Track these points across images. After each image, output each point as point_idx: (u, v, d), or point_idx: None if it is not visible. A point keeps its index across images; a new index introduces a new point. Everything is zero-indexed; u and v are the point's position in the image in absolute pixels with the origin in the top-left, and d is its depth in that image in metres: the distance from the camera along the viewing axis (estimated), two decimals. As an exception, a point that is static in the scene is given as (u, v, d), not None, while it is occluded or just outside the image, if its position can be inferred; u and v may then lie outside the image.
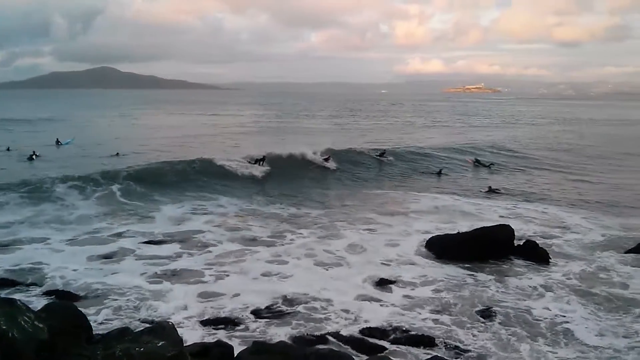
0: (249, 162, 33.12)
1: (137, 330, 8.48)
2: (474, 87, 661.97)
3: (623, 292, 14.88)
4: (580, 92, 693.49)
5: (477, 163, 39.98)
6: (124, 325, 10.34)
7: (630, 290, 15.05)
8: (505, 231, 18.62)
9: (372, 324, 12.56)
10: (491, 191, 30.28)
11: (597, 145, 51.68)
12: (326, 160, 36.25)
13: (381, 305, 13.97)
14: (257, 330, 12.32)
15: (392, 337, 11.90)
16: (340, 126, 72.50)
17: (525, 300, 14.43)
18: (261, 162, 33.36)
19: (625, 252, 18.48)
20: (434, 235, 19.64)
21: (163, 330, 7.59)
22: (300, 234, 21.01)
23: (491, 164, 39.77)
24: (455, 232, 19.84)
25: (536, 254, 17.79)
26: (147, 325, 10.38)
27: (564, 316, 13.28)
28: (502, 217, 24.43)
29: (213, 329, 12.29)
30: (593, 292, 14.81)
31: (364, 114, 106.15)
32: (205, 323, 12.56)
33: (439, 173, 36.38)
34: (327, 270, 16.92)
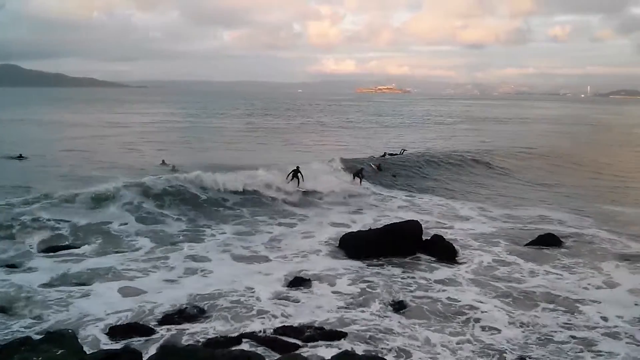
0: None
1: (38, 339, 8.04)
2: (386, 87, 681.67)
3: (526, 285, 15.76)
4: (484, 92, 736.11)
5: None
6: (25, 335, 9.73)
7: (531, 283, 15.96)
8: (413, 227, 19.24)
9: (287, 322, 12.63)
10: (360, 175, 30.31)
11: (496, 142, 54.63)
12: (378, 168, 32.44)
13: (296, 303, 14.06)
14: (169, 333, 12.00)
15: (306, 334, 11.95)
16: (253, 125, 72.06)
17: (435, 293, 15.01)
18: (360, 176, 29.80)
19: (525, 245, 19.64)
20: (346, 232, 20.08)
21: (62, 338, 7.28)
22: (220, 228, 21.27)
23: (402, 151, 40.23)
24: (363, 224, 20.96)
25: (443, 248, 18.47)
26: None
27: (473, 308, 13.90)
28: (400, 207, 26.27)
29: (124, 333, 11.82)
30: (498, 286, 15.63)
31: (278, 114, 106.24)
32: (115, 328, 12.06)
33: (384, 155, 37.06)
34: (244, 267, 16.99)
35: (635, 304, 14.32)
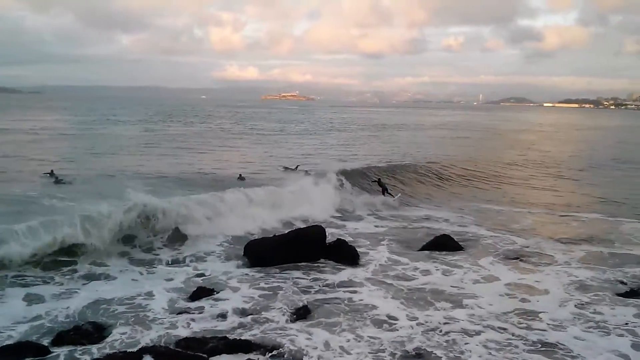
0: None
1: None
2: (290, 94, 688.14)
3: (417, 283, 16.78)
4: (383, 100, 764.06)
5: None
6: None
7: (422, 281, 17.01)
8: (318, 232, 19.80)
9: (190, 335, 12.55)
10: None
11: (394, 147, 56.82)
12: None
13: (199, 314, 14.00)
14: (64, 352, 11.54)
15: (209, 345, 11.91)
16: (151, 132, 69.79)
17: (337, 295, 15.50)
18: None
19: (420, 250, 20.55)
20: (251, 239, 20.16)
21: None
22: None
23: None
24: (263, 220, 22.10)
25: (346, 252, 19.08)
26: None
27: (373, 308, 14.54)
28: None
29: (14, 354, 11.10)
30: (394, 285, 16.50)
31: (179, 120, 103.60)
32: (4, 348, 11.32)
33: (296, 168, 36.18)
34: (145, 273, 17.12)
35: (511, 297, 15.75)
